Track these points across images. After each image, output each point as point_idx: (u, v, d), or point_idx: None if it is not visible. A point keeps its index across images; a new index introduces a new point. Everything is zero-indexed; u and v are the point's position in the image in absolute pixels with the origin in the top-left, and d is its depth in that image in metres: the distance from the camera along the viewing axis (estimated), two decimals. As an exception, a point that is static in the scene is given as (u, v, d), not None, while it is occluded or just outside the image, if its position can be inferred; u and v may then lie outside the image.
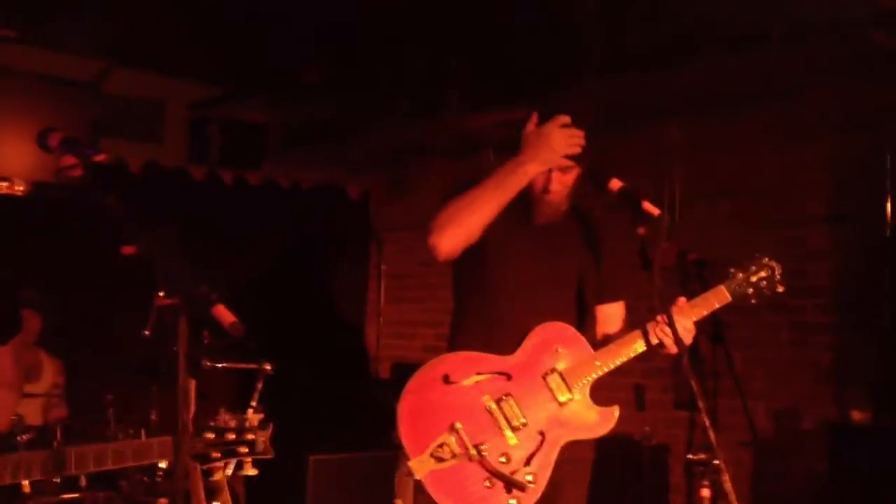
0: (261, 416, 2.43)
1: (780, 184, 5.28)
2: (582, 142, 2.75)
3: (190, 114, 6.41)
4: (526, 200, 2.92)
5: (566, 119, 2.77)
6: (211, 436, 2.36)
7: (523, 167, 2.77)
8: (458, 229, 2.78)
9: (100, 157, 2.12)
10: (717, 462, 2.48)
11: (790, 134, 5.27)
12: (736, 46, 4.54)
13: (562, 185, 2.86)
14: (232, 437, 2.38)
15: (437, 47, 5.38)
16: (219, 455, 2.36)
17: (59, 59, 5.55)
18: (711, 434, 2.48)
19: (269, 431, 2.45)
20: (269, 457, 2.45)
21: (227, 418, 4.49)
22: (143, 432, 4.47)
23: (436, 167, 6.98)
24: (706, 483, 2.45)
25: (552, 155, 2.76)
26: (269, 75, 5.81)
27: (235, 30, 5.15)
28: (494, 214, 2.78)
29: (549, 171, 2.82)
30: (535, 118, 2.85)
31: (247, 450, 2.40)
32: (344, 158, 7.21)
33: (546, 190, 2.85)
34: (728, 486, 2.43)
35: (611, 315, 3.02)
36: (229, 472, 4.55)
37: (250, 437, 2.40)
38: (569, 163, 2.80)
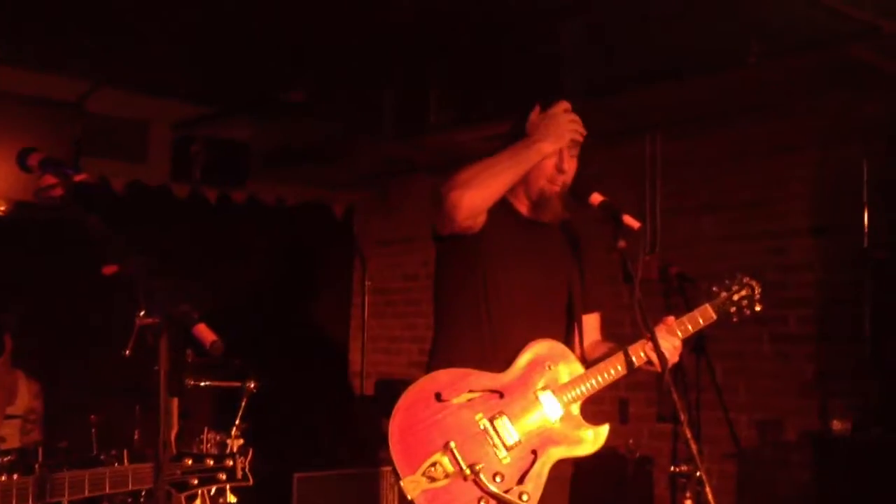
0: (241, 441, 2.43)
1: (762, 196, 5.33)
2: (583, 129, 2.87)
3: (173, 133, 6.41)
4: (507, 206, 2.94)
5: (567, 105, 2.88)
6: (189, 462, 2.33)
7: (537, 145, 2.83)
8: (481, 189, 2.77)
9: (80, 177, 2.11)
10: (699, 474, 2.49)
11: (771, 147, 5.32)
12: (716, 63, 4.58)
13: (571, 167, 2.90)
14: (210, 462, 2.35)
15: (421, 64, 5.40)
16: (196, 482, 2.34)
17: (41, 78, 5.53)
18: (693, 446, 2.49)
19: (248, 457, 2.43)
20: (247, 484, 2.43)
21: (210, 436, 4.49)
22: (125, 453, 4.44)
23: (420, 183, 6.99)
24: (689, 494, 2.46)
25: (561, 136, 2.84)
26: (253, 95, 5.81)
27: (218, 49, 5.16)
28: (510, 184, 2.82)
29: (562, 151, 2.87)
30: (538, 108, 2.94)
31: (225, 477, 2.38)
32: (328, 176, 7.22)
33: (560, 170, 2.87)
34: (710, 497, 2.44)
35: (590, 325, 3.05)
36: (213, 490, 4.55)
37: (229, 463, 2.38)
38: (576, 142, 2.89)
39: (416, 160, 6.73)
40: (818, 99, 4.98)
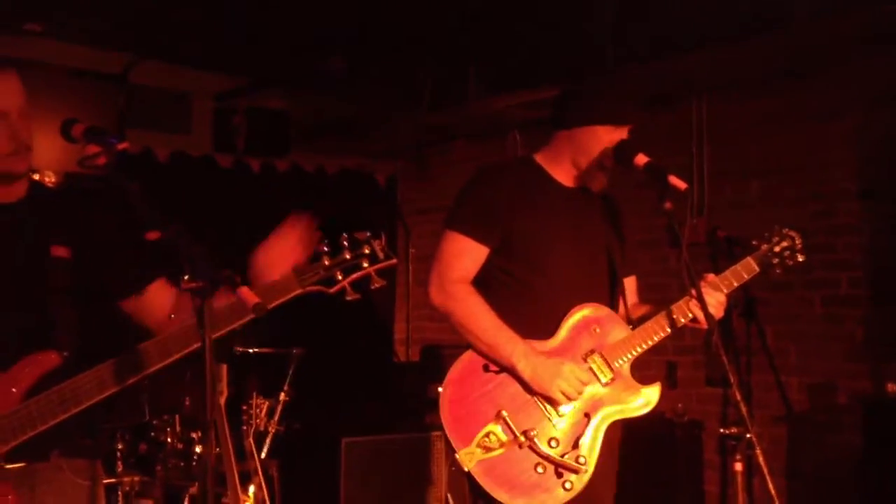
0: (366, 233, 2.35)
1: (808, 160, 5.24)
2: (577, 396, 2.73)
3: (216, 104, 6.45)
4: (540, 172, 2.92)
5: (572, 367, 2.73)
6: (326, 261, 2.30)
7: (515, 362, 2.72)
8: (450, 320, 2.84)
9: (123, 146, 2.13)
10: (749, 436, 2.46)
11: (817, 110, 5.21)
12: (761, 25, 4.48)
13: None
14: (348, 255, 2.31)
15: (459, 32, 5.35)
16: (341, 276, 2.30)
17: (85, 52, 5.59)
18: (743, 408, 2.47)
19: (382, 240, 2.34)
20: (393, 262, 2.34)
21: (259, 402, 4.54)
22: (177, 418, 4.52)
23: (461, 150, 6.98)
24: (739, 457, 2.44)
25: (546, 387, 2.70)
26: (293, 66, 5.82)
27: (259, 20, 5.16)
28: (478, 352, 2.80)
29: (624, 132, 2.83)
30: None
31: (368, 262, 2.32)
32: (368, 146, 7.22)
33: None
34: (761, 459, 2.41)
35: (629, 289, 3.03)
36: (263, 454, 4.61)
37: (367, 249, 2.32)
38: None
39: (454, 128, 6.70)
40: (864, 60, 4.87)
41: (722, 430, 2.54)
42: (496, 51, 5.40)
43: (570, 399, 2.72)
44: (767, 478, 2.39)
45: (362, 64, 5.62)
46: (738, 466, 2.45)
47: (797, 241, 2.95)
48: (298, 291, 2.30)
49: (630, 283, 3.05)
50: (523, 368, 2.71)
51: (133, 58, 5.71)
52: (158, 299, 2.39)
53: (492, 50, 5.40)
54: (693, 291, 2.71)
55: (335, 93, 6.15)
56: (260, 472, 4.35)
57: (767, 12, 4.38)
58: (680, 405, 5.11)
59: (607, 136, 2.82)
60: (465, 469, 2.67)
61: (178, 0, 4.84)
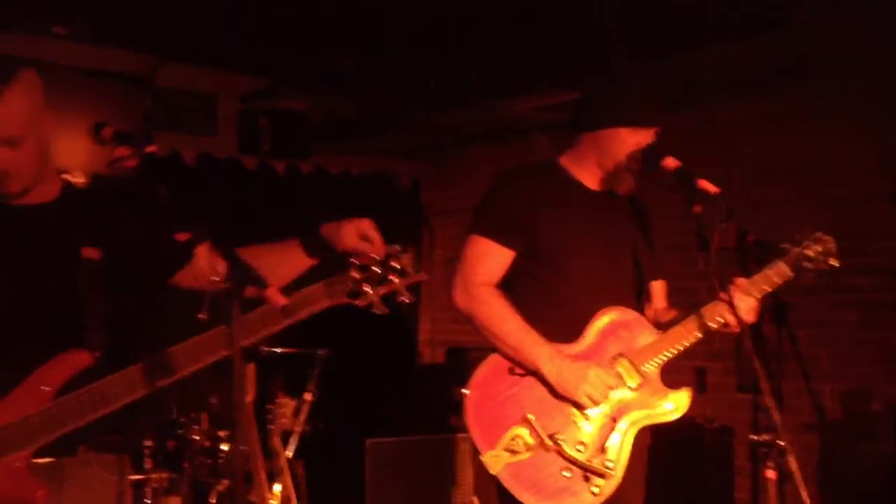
0: (396, 247, 2.35)
1: (840, 162, 5.17)
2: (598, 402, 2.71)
3: (240, 106, 6.48)
4: (564, 175, 2.89)
5: (599, 372, 2.72)
6: (356, 274, 2.31)
7: (541, 365, 2.72)
8: (474, 323, 2.84)
9: (152, 148, 2.15)
10: (781, 443, 2.43)
11: (848, 110, 5.14)
12: (791, 20, 4.43)
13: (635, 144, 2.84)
14: (378, 269, 2.30)
15: (470, 34, 5.34)
16: (371, 288, 2.30)
17: (112, 54, 5.63)
18: (776, 415, 2.43)
19: (410, 255, 2.34)
20: (423, 278, 2.35)
21: (284, 401, 4.56)
22: (204, 415, 4.54)
23: (484, 152, 6.97)
24: (771, 464, 2.40)
25: (571, 391, 2.70)
26: (314, 65, 5.84)
27: (280, 22, 5.18)
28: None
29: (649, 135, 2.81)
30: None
31: (398, 277, 2.32)
32: (386, 147, 7.23)
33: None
34: (794, 466, 2.38)
35: (658, 293, 2.99)
36: (289, 454, 4.63)
37: (396, 263, 2.32)
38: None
39: (469, 130, 6.70)
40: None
41: (753, 437, 2.50)
42: (514, 52, 5.38)
43: (595, 404, 2.69)
44: (800, 485, 2.36)
45: (379, 65, 5.62)
46: (770, 474, 2.42)
47: (830, 245, 2.89)
48: (327, 303, 2.31)
49: (659, 288, 3.03)
50: (549, 371, 2.69)
51: (159, 60, 5.74)
52: (208, 262, 2.34)
53: (510, 51, 5.37)
54: (723, 295, 2.68)
55: (353, 94, 6.17)
56: (286, 471, 4.37)
57: (797, 6, 4.33)
58: (710, 411, 5.06)
59: (632, 138, 2.81)
60: (492, 472, 2.65)
61: (202, 2, 4.86)
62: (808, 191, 5.26)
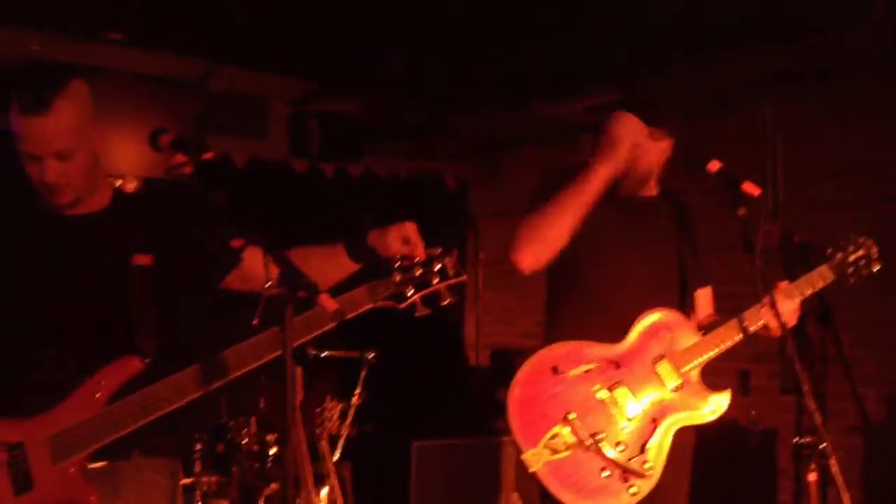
0: (437, 249, 2.41)
1: (884, 161, 5.11)
2: (644, 131, 2.76)
3: (291, 109, 6.56)
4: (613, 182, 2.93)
5: (627, 117, 2.78)
6: (398, 277, 2.36)
7: (593, 169, 2.78)
8: (539, 245, 2.81)
9: (208, 155, 2.20)
10: (824, 446, 2.44)
11: (893, 108, 5.08)
12: (834, 21, 4.39)
13: (652, 153, 2.86)
14: (419, 271, 2.36)
15: (524, 36, 5.36)
16: (412, 291, 2.36)
17: (164, 59, 5.72)
18: (818, 417, 2.44)
19: (453, 257, 2.40)
20: (463, 279, 2.40)
21: (332, 405, 4.62)
22: (253, 419, 4.62)
23: (530, 154, 6.99)
24: (813, 467, 2.41)
25: (615, 149, 2.77)
26: (365, 68, 5.89)
27: (331, 26, 5.24)
28: (575, 223, 2.78)
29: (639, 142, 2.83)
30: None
31: (439, 279, 2.38)
32: (438, 149, 7.27)
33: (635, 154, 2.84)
34: (835, 469, 2.38)
35: (703, 299, 3.01)
36: (336, 457, 4.68)
37: (437, 266, 2.37)
38: (657, 131, 2.82)
39: (524, 132, 6.71)
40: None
41: (796, 440, 2.51)
42: (564, 53, 5.39)
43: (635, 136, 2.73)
44: (842, 488, 2.36)
45: (432, 66, 5.66)
46: (812, 476, 2.42)
47: (873, 250, 2.91)
48: (370, 305, 2.36)
49: (706, 294, 3.03)
50: (591, 165, 2.78)
51: (211, 65, 5.83)
52: (257, 264, 2.37)
53: (556, 52, 5.38)
54: (766, 298, 2.69)
55: (403, 97, 6.21)
56: (333, 474, 4.42)
57: (844, 7, 4.29)
58: (753, 413, 5.04)
59: (651, 144, 2.85)
60: (531, 470, 2.69)
61: (253, 7, 4.93)
62: (856, 190, 5.20)
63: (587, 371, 2.77)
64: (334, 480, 4.40)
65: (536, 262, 2.83)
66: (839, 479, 2.38)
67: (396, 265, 2.37)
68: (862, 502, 4.88)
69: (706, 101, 5.28)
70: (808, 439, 2.46)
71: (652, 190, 2.96)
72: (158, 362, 2.37)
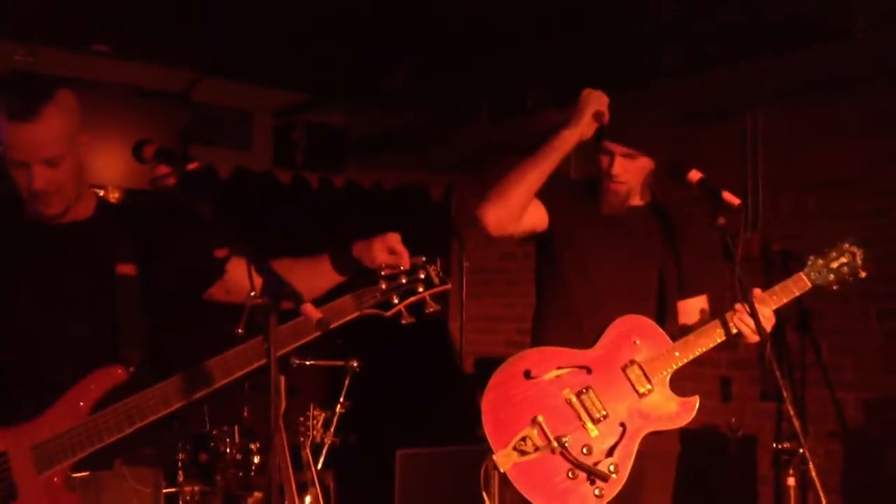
0: (421, 258, 2.44)
1: (866, 172, 5.18)
2: (605, 100, 2.86)
3: (275, 120, 6.58)
4: (595, 192, 2.97)
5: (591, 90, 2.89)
6: (383, 285, 2.39)
7: (559, 133, 2.89)
8: (503, 201, 2.88)
9: (192, 166, 2.21)
10: (802, 451, 2.47)
11: (874, 122, 5.15)
12: (819, 36, 4.45)
13: (625, 171, 2.88)
14: (404, 280, 2.40)
15: (516, 47, 5.40)
16: (397, 299, 2.39)
17: (150, 71, 5.74)
18: (796, 422, 2.48)
19: (437, 265, 2.44)
20: (447, 288, 2.44)
21: (316, 413, 4.62)
22: (236, 428, 4.62)
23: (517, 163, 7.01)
24: (792, 472, 2.45)
25: (581, 115, 2.87)
26: (351, 81, 5.91)
27: (317, 38, 5.26)
28: (536, 184, 2.89)
29: (613, 155, 2.87)
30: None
31: (423, 287, 2.41)
32: (425, 160, 7.29)
33: (608, 174, 2.89)
34: (814, 474, 2.42)
35: (694, 309, 3.04)
36: (320, 465, 4.68)
37: (422, 274, 2.41)
38: (632, 151, 2.86)
39: (513, 143, 6.72)
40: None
41: (775, 445, 2.54)
42: (553, 63, 5.43)
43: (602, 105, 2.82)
44: (821, 493, 2.40)
45: (422, 75, 5.68)
46: (791, 481, 2.46)
47: (858, 257, 2.90)
48: (356, 314, 2.39)
49: (696, 304, 3.05)
50: (565, 129, 2.88)
51: (196, 76, 5.85)
52: (241, 276, 2.34)
53: (549, 62, 5.42)
54: (738, 306, 2.74)
55: (394, 108, 6.23)
56: (317, 483, 4.42)
57: (826, 20, 4.35)
58: (734, 420, 5.08)
59: (603, 161, 2.92)
60: (501, 470, 2.73)
61: (238, 19, 4.95)
62: (838, 201, 5.26)
63: (558, 375, 2.82)
64: (317, 489, 4.40)
65: (499, 220, 2.89)
66: (818, 484, 2.41)
67: (382, 274, 2.39)
68: (842, 507, 4.95)
69: (692, 112, 5.32)
70: (787, 445, 2.49)
71: (637, 201, 2.99)
72: (142, 372, 2.37)
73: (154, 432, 2.38)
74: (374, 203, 7.23)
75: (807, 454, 2.45)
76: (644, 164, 2.89)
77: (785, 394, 2.50)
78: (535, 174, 2.89)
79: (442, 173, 7.67)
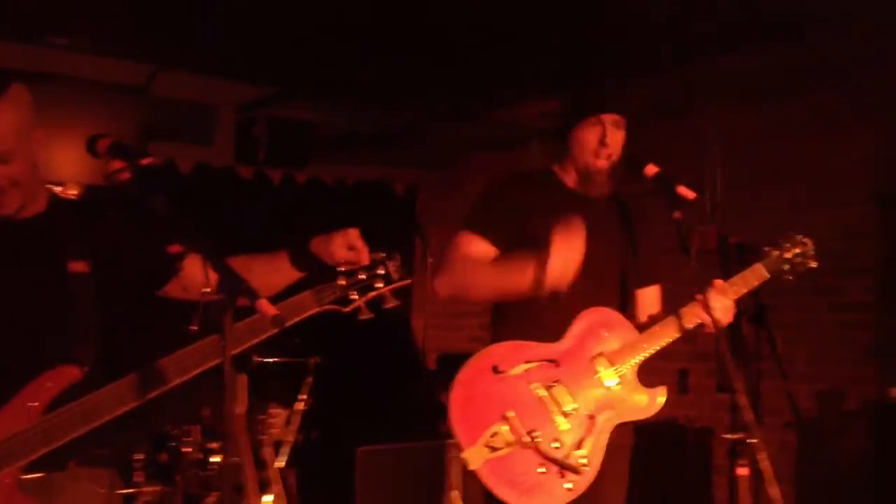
0: (381, 254, 2.44)
1: (823, 167, 5.27)
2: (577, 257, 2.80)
3: (238, 115, 6.52)
4: (557, 183, 2.98)
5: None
6: (342, 281, 2.38)
7: (526, 272, 2.82)
8: (459, 292, 2.94)
9: (147, 161, 2.18)
10: (754, 441, 2.51)
11: (832, 118, 5.24)
12: (775, 35, 4.52)
13: (615, 142, 2.93)
14: (363, 276, 2.39)
15: (479, 41, 5.42)
16: (357, 295, 2.38)
17: (108, 63, 5.65)
18: (748, 413, 2.51)
19: (397, 260, 2.44)
20: (408, 282, 2.44)
21: (277, 412, 4.60)
22: (196, 428, 4.58)
23: (482, 160, 7.03)
24: (744, 462, 2.49)
25: (551, 266, 2.79)
26: (315, 76, 5.88)
27: (282, 31, 5.22)
28: (493, 299, 2.92)
29: (604, 125, 2.90)
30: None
31: (383, 283, 2.41)
32: (389, 156, 7.29)
33: (603, 143, 2.91)
34: (765, 463, 2.45)
35: (649, 298, 3.07)
36: (281, 463, 4.67)
37: (381, 270, 2.41)
38: (621, 118, 2.93)
39: (477, 138, 6.75)
40: (878, 71, 4.89)
41: (727, 436, 2.58)
42: (514, 58, 5.45)
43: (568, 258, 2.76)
44: (771, 482, 2.43)
45: (387, 71, 5.67)
46: (742, 471, 2.50)
47: (809, 247, 2.99)
48: (315, 310, 2.38)
49: (651, 293, 3.11)
50: (537, 268, 2.80)
51: (156, 69, 5.77)
52: (198, 273, 2.30)
53: (509, 57, 5.44)
54: (699, 297, 2.77)
55: (358, 104, 6.20)
56: (277, 481, 4.40)
57: (782, 19, 4.41)
58: (692, 412, 5.15)
59: (591, 136, 2.92)
60: (471, 468, 2.73)
61: (201, 11, 4.90)
62: (794, 195, 5.34)
63: (526, 370, 2.83)
64: (279, 487, 4.38)
65: (453, 300, 2.95)
66: (768, 473, 2.44)
67: (341, 270, 2.39)
68: (794, 496, 5.02)
69: (655, 108, 5.38)
70: (739, 435, 2.53)
71: (603, 190, 3.01)
72: (97, 371, 2.33)
73: (110, 432, 2.34)
74: (336, 199, 7.21)
75: (759, 444, 2.49)
76: (623, 137, 2.93)
77: (737, 385, 2.53)
78: (488, 295, 2.90)
79: (406, 169, 7.67)
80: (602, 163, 2.93)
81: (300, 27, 5.09)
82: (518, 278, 2.81)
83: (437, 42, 5.24)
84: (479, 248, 2.96)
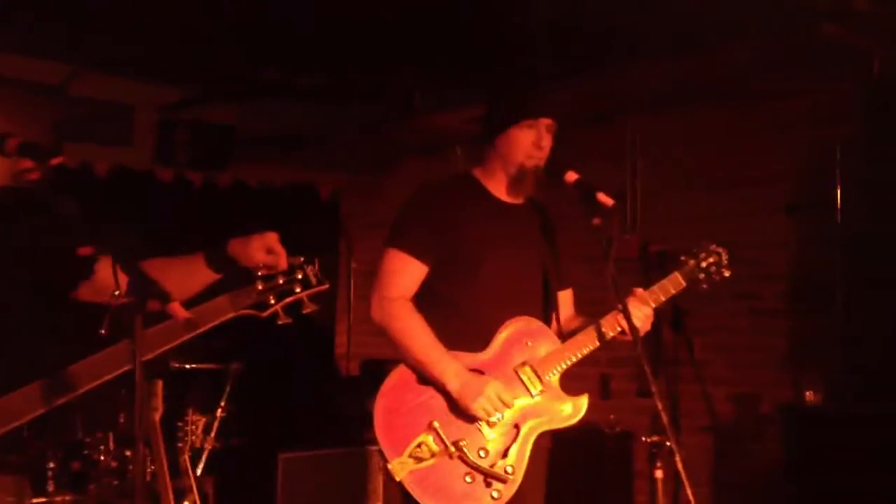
0: (300, 258, 2.41)
1: (739, 176, 5.39)
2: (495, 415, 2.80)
3: (158, 117, 6.41)
4: (478, 188, 2.99)
5: (499, 387, 2.81)
6: (260, 286, 2.35)
7: (446, 381, 2.80)
8: (390, 337, 2.90)
9: (57, 160, 2.14)
10: (669, 444, 2.55)
11: (747, 127, 5.37)
12: (692, 44, 4.61)
13: (549, 144, 2.95)
14: (282, 280, 2.36)
15: (403, 47, 5.42)
16: (274, 300, 2.35)
17: (23, 62, 5.51)
18: (664, 417, 2.56)
19: (315, 265, 2.40)
20: (325, 288, 2.41)
21: (195, 418, 4.52)
22: (111, 435, 4.47)
23: (408, 166, 7.03)
24: (659, 465, 2.53)
25: (468, 404, 2.78)
26: (238, 78, 5.81)
27: (203, 32, 5.15)
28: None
29: (540, 128, 2.92)
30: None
31: (301, 287, 2.38)
32: (314, 159, 7.23)
33: (538, 146, 2.92)
34: (680, 466, 2.50)
35: (564, 302, 3.10)
36: (199, 471, 4.58)
37: (299, 274, 2.37)
38: (554, 123, 2.95)
39: (402, 142, 6.75)
40: (792, 80, 5.02)
41: (644, 439, 2.62)
42: (441, 66, 5.46)
43: (489, 416, 2.77)
44: (686, 483, 2.47)
45: (310, 74, 5.63)
46: (659, 474, 2.55)
47: (724, 257, 3.06)
48: (231, 314, 2.35)
49: (566, 296, 3.14)
50: (452, 387, 2.78)
51: (75, 69, 5.65)
52: (110, 275, 2.25)
53: (437, 65, 5.45)
54: (620, 305, 2.81)
55: (281, 106, 6.15)
56: (195, 489, 4.33)
57: (698, 28, 4.50)
58: (612, 416, 5.20)
59: (525, 138, 2.93)
60: (397, 479, 2.72)
61: (120, 10, 4.80)
62: (713, 203, 5.44)
63: (451, 380, 2.81)
64: (196, 496, 4.31)
65: (381, 331, 2.93)
66: (683, 476, 2.49)
67: (258, 274, 2.36)
68: (711, 498, 5.12)
69: (574, 114, 5.44)
70: (656, 438, 2.57)
71: (525, 195, 3.03)
72: (5, 376, 2.27)
73: (18, 439, 2.29)
74: (260, 202, 7.12)
75: (673, 447, 2.53)
76: (551, 143, 2.97)
77: (654, 389, 2.57)
78: (415, 365, 2.87)
79: (330, 173, 7.62)
80: (533, 164, 2.94)
81: (222, 28, 5.03)
82: (437, 376, 2.82)
83: (362, 46, 5.23)
84: (410, 272, 2.94)
